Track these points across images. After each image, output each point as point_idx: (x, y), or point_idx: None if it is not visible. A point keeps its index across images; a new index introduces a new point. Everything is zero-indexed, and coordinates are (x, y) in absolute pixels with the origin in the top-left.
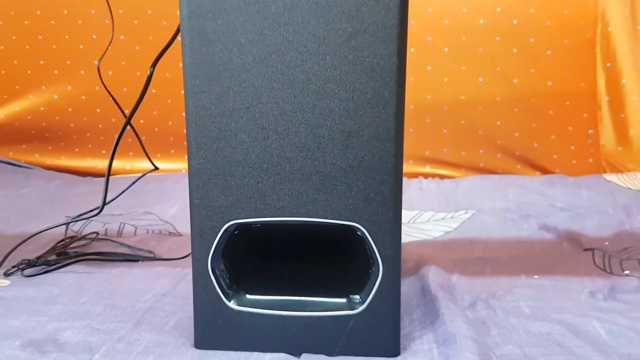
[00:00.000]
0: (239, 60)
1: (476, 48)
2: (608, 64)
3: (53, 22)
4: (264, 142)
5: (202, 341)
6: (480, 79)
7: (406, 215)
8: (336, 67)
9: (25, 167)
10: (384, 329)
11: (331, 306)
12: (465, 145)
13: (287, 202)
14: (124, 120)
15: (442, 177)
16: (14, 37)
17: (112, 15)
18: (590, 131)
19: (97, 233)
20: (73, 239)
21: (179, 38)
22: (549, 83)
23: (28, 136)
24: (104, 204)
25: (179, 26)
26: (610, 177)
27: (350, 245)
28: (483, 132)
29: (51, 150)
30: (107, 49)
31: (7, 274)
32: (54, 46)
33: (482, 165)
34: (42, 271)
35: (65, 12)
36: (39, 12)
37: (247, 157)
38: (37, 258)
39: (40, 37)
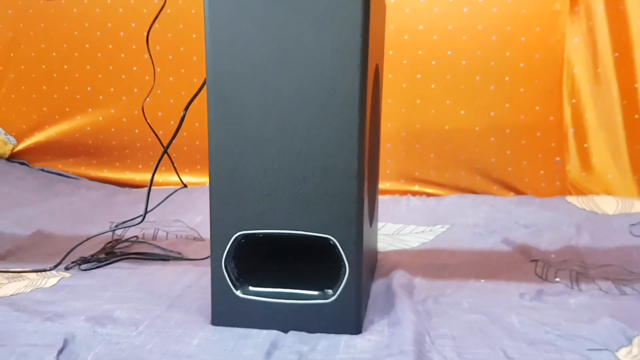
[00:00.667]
0: (247, 114)
1: (459, 85)
2: (573, 100)
3: (99, 54)
4: (264, 175)
5: (217, 320)
6: (462, 112)
7: (392, 227)
8: (317, 120)
9: (73, 178)
10: (349, 314)
11: (311, 296)
12: (449, 168)
13: (280, 218)
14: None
15: (428, 194)
16: (65, 66)
17: (154, 65)
18: (557, 158)
19: (137, 237)
20: (118, 241)
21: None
22: (522, 116)
23: (76, 151)
24: (145, 214)
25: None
26: (571, 199)
27: (326, 252)
28: (464, 157)
29: (95, 164)
30: (150, 91)
31: (67, 268)
32: (100, 75)
33: (463, 186)
34: (95, 266)
35: (110, 46)
36: (87, 46)
37: (251, 185)
38: (91, 256)
39: (88, 67)
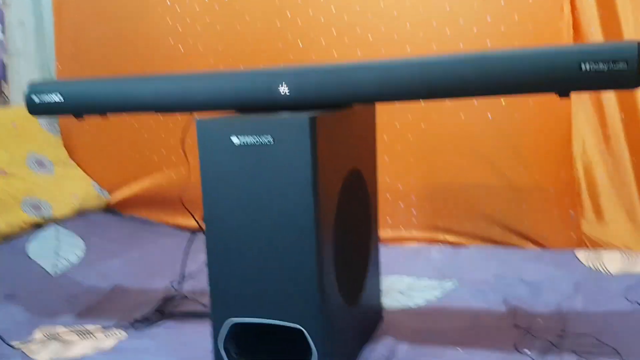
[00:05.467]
0: (233, 230)
1: (479, 152)
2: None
3: (171, 124)
4: (245, 277)
5: None
6: (479, 170)
7: (406, 281)
8: (282, 233)
9: (155, 225)
10: None
11: None
12: (470, 220)
13: (262, 309)
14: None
15: (451, 243)
16: (145, 135)
17: (188, 162)
18: (571, 212)
19: (186, 296)
20: (168, 300)
21: None
22: (534, 174)
23: (155, 202)
24: (182, 279)
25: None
26: (580, 254)
27: (300, 336)
28: (484, 209)
29: (171, 212)
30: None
31: (125, 328)
32: (171, 140)
33: (485, 236)
34: (145, 327)
35: (179, 117)
36: (161, 118)
37: (238, 283)
38: (143, 318)
39: (162, 135)
